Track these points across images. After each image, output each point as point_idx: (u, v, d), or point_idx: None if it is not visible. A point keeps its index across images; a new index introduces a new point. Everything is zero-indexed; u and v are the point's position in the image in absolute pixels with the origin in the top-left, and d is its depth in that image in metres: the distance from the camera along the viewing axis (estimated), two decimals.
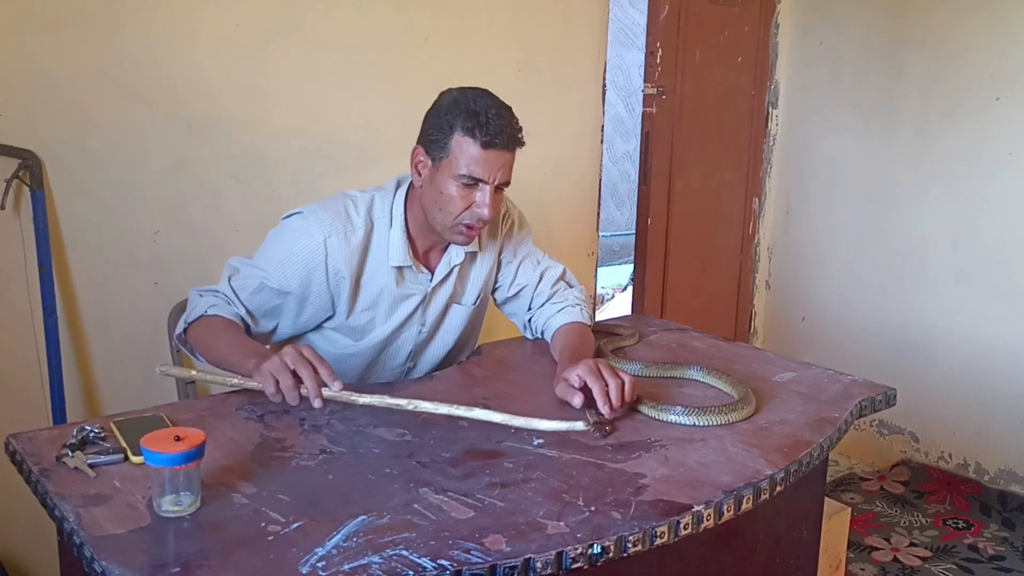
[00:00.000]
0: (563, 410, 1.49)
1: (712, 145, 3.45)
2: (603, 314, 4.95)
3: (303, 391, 1.37)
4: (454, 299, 1.78)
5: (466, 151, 1.55)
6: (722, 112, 3.46)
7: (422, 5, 2.56)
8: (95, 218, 2.12)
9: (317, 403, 1.36)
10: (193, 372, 1.51)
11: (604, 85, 3.04)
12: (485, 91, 1.62)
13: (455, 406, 1.40)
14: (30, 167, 1.99)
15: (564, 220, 3.05)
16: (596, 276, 3.22)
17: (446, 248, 1.74)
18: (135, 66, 2.11)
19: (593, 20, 2.98)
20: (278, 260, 1.63)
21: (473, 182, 1.57)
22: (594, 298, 3.25)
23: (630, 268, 4.24)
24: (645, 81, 3.21)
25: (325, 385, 1.37)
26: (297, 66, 2.35)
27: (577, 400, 1.46)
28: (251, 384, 1.44)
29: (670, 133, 3.29)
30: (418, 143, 1.64)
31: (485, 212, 1.58)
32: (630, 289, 3.82)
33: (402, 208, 1.68)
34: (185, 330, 1.62)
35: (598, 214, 3.15)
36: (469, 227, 1.62)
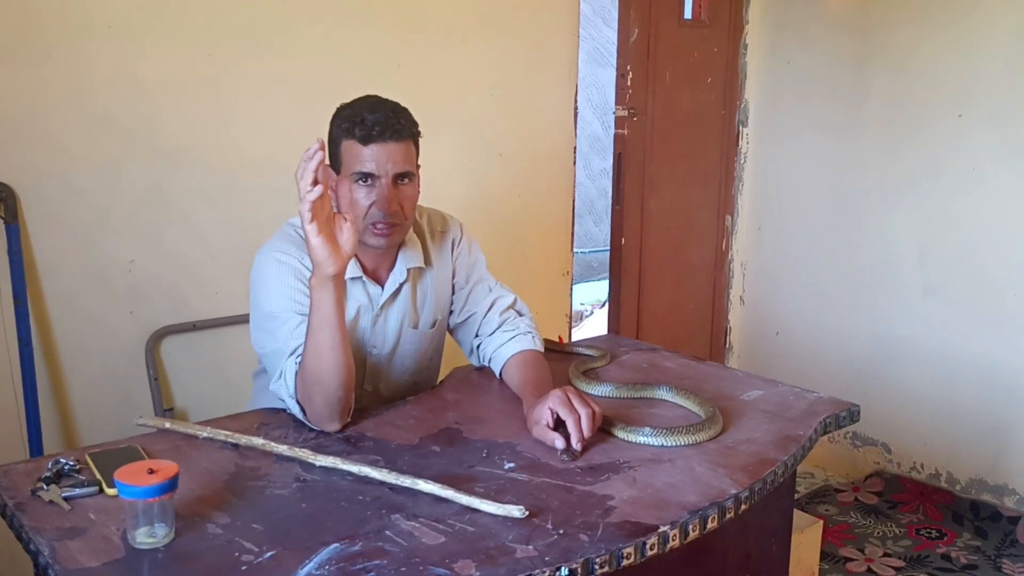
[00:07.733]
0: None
1: (684, 164, 3.50)
2: (581, 331, 4.98)
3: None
4: (410, 323, 1.79)
5: (351, 152, 1.60)
6: (693, 132, 3.51)
7: (394, 30, 2.60)
8: (70, 248, 2.14)
9: (317, 155, 1.34)
10: (167, 424, 1.54)
11: (576, 106, 3.09)
12: (368, 95, 1.65)
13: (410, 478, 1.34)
14: (4, 200, 2.01)
15: (538, 240, 3.09)
16: (571, 294, 3.26)
17: (393, 265, 1.74)
18: (108, 96, 2.13)
19: (564, 42, 3.03)
20: (282, 293, 1.60)
21: (365, 178, 1.60)
22: (570, 316, 3.28)
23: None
24: (616, 103, 3.26)
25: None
26: (270, 93, 2.38)
27: (559, 443, 1.46)
28: (234, 437, 1.47)
29: (642, 153, 3.33)
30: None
31: (385, 205, 1.60)
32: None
33: None
34: (299, 403, 1.54)
35: (572, 233, 3.19)
36: (380, 226, 1.62)
